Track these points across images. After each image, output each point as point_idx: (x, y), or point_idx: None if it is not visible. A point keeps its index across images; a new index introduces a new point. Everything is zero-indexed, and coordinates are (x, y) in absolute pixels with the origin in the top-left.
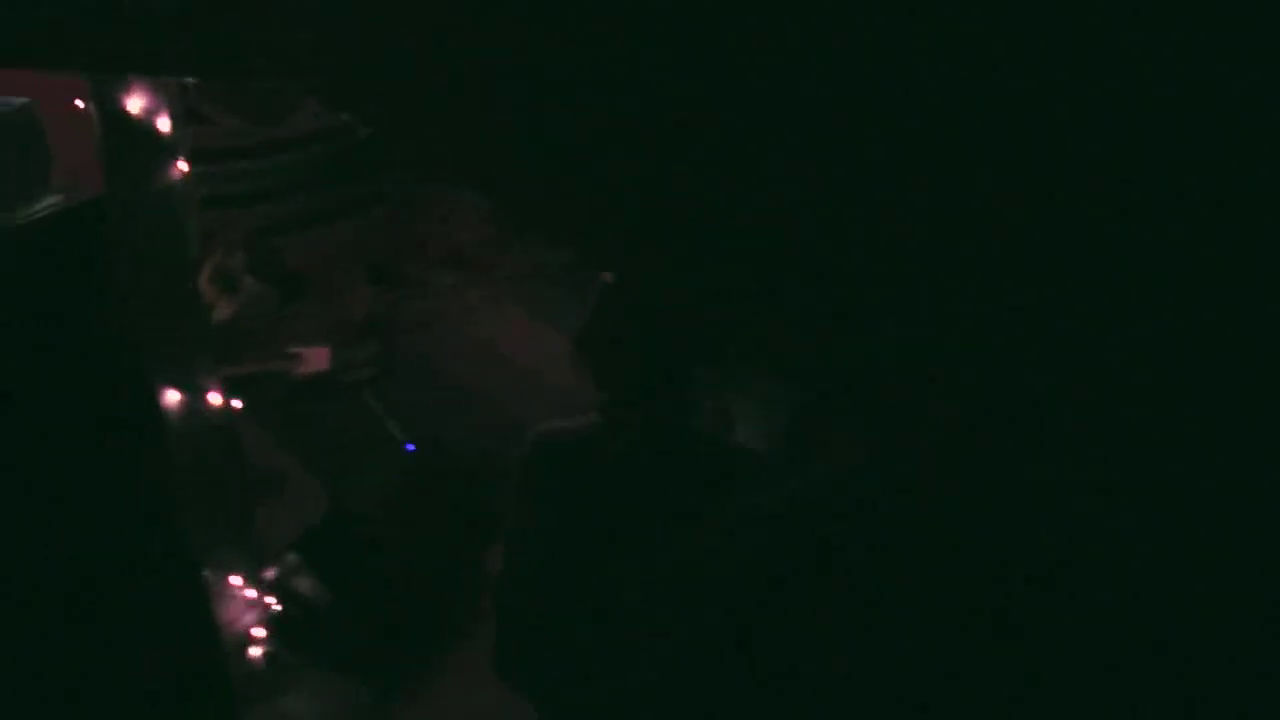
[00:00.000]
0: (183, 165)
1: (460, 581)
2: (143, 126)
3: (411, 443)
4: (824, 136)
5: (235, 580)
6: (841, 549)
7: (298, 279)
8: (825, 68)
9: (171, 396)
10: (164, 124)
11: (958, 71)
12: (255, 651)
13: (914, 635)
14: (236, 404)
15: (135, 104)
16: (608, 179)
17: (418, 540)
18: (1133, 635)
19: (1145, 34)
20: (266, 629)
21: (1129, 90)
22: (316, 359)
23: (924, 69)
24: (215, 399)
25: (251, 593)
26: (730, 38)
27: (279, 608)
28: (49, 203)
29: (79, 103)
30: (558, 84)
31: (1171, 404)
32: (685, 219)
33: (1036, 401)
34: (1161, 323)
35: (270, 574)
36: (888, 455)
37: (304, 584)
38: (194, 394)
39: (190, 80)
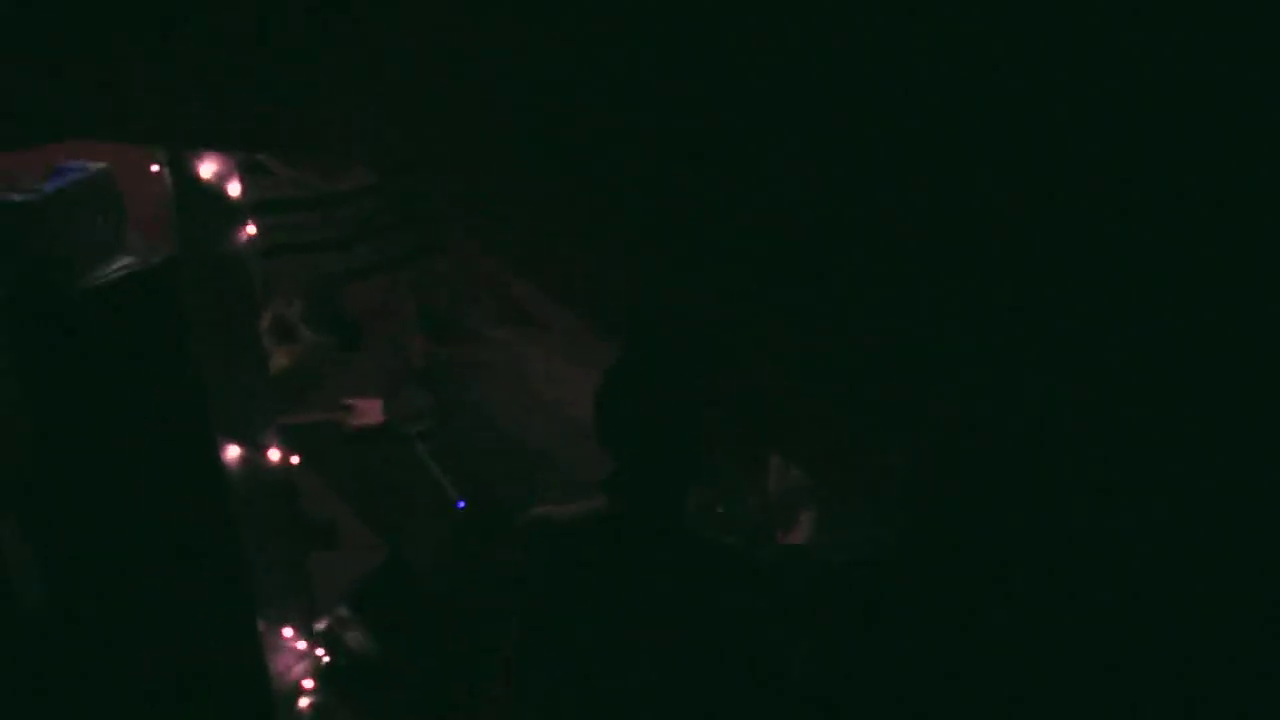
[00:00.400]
0: (251, 229)
1: (509, 638)
2: (214, 191)
3: (462, 499)
4: (825, 140)
5: (288, 632)
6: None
7: (354, 329)
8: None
9: (232, 450)
10: (234, 189)
11: (958, 71)
12: (305, 702)
13: (913, 635)
14: (294, 456)
15: (207, 169)
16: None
17: (467, 595)
18: (1133, 635)
19: (1145, 34)
20: (316, 680)
21: (1129, 90)
22: (371, 410)
23: (924, 69)
24: (274, 452)
25: (303, 644)
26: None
27: (329, 659)
28: (124, 263)
29: (154, 167)
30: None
31: (1171, 404)
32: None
33: (1036, 401)
34: (1162, 323)
35: (322, 625)
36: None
37: (354, 637)
38: (254, 447)
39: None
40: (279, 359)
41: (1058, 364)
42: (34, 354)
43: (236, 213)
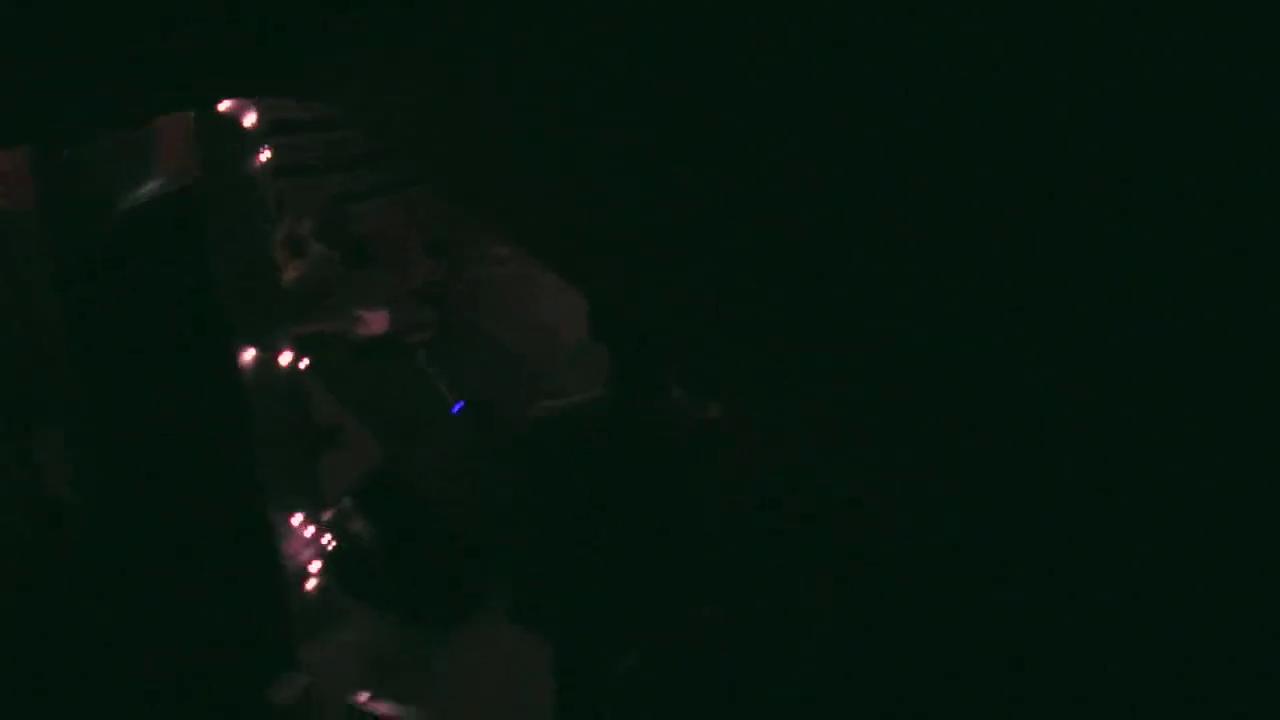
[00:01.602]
0: (265, 154)
1: (497, 531)
2: (231, 119)
3: (459, 403)
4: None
5: (296, 519)
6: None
7: (362, 246)
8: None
9: (248, 354)
10: (250, 119)
11: (958, 71)
12: (311, 584)
13: (912, 634)
14: (303, 362)
15: (226, 102)
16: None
17: (459, 491)
18: (1133, 635)
19: (1145, 34)
20: (323, 564)
21: (1129, 90)
22: (377, 322)
23: (924, 69)
24: (286, 357)
25: (310, 531)
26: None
27: (334, 546)
28: (154, 187)
29: None
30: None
31: (1171, 404)
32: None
33: (1036, 401)
34: (1161, 323)
35: (328, 516)
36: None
37: (357, 526)
38: (267, 352)
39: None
40: (290, 272)
41: (1058, 364)
42: (73, 273)
43: (252, 139)
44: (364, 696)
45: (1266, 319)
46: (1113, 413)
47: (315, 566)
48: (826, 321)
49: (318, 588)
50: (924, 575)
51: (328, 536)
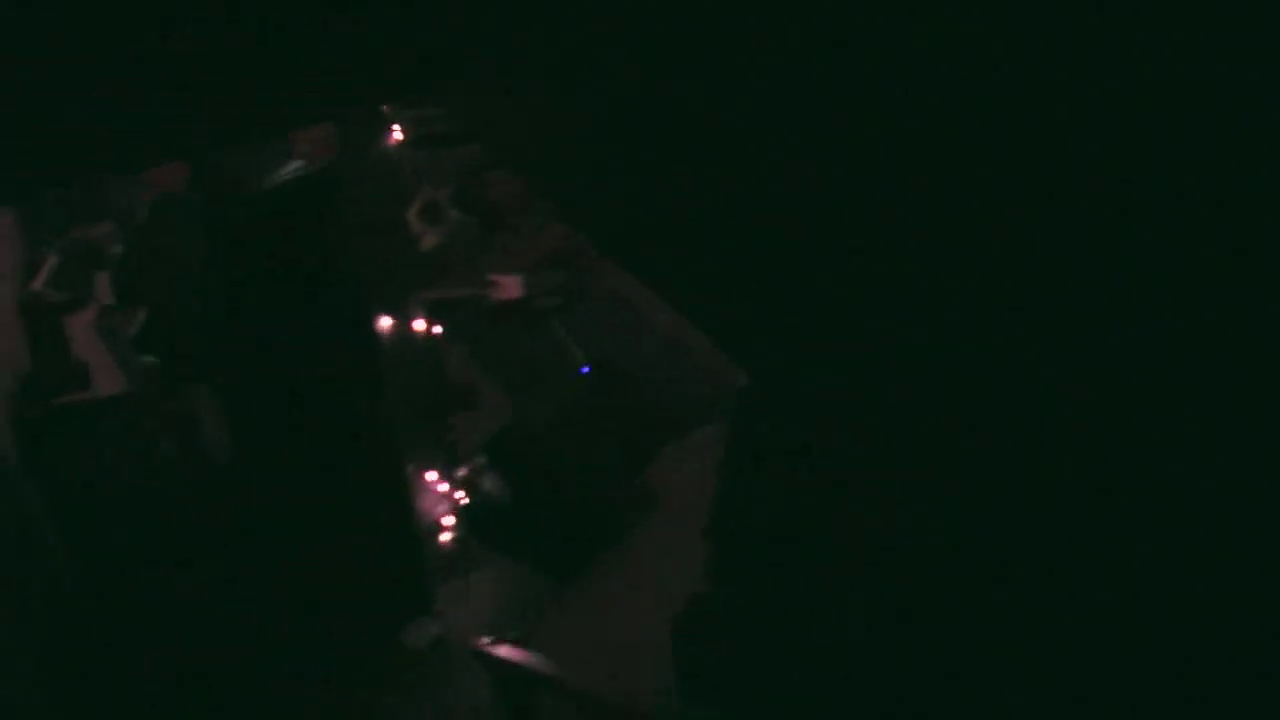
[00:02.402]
0: (398, 134)
1: (621, 489)
2: None
3: (587, 365)
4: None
5: (431, 476)
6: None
7: (497, 212)
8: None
9: (385, 321)
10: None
11: (958, 72)
12: (446, 537)
13: (913, 635)
14: (438, 328)
15: None
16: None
17: (586, 450)
18: (1133, 635)
19: (1145, 34)
20: (456, 518)
21: (1129, 90)
22: (510, 286)
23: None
24: (420, 324)
25: (445, 487)
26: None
27: (467, 501)
28: (293, 167)
29: None
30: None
31: (1171, 404)
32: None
33: (1036, 401)
34: (1162, 323)
35: (461, 472)
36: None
37: (488, 482)
38: (403, 318)
39: None
40: (429, 239)
41: (1058, 364)
42: (224, 248)
43: (385, 117)
44: (486, 640)
45: (1266, 319)
46: (1113, 413)
47: (449, 520)
48: (825, 321)
49: (451, 540)
50: (923, 575)
51: (461, 492)
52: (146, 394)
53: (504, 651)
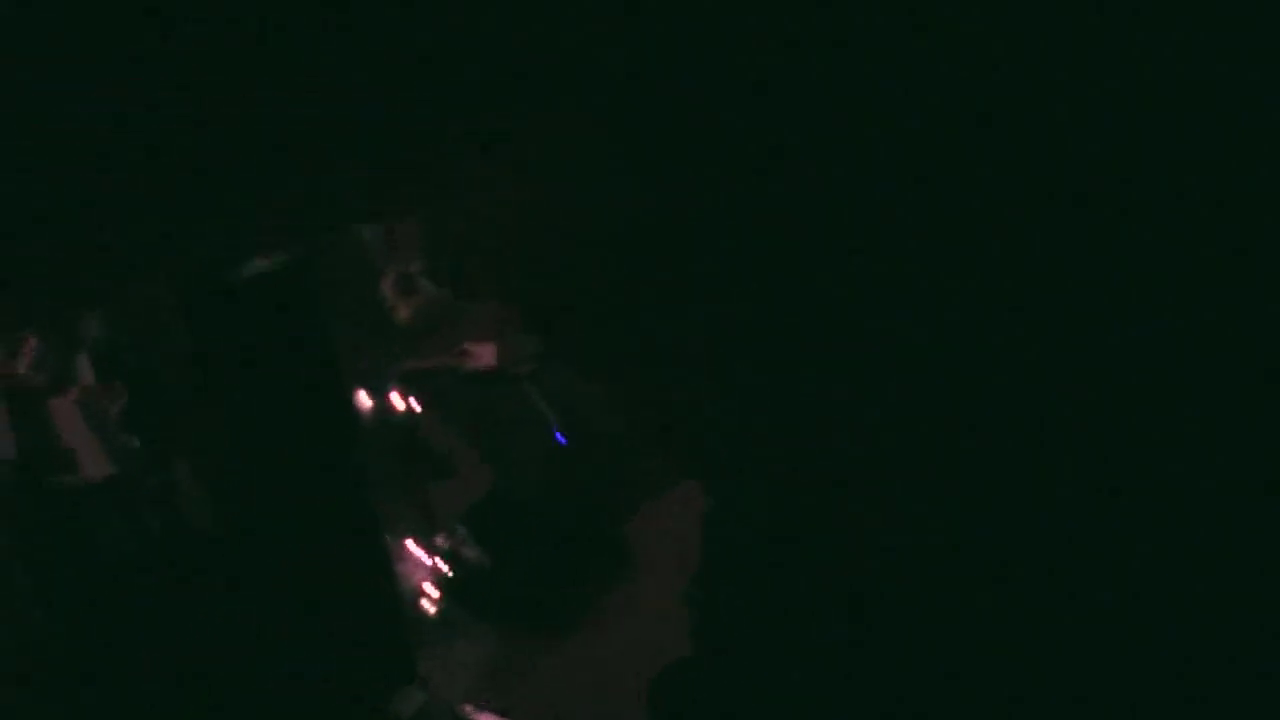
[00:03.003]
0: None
1: (599, 555)
2: None
3: (562, 435)
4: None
5: (411, 544)
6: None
7: (470, 282)
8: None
9: (363, 397)
10: None
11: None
12: (428, 605)
13: (912, 635)
14: (415, 398)
15: None
16: None
17: (564, 515)
18: (1133, 635)
19: (1145, 34)
20: (437, 586)
21: (1129, 90)
22: (484, 354)
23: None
24: (397, 395)
25: (425, 557)
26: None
27: (447, 569)
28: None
29: None
30: None
31: (1171, 404)
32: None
33: (1036, 402)
34: (1162, 323)
35: (441, 541)
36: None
37: (468, 550)
38: (380, 392)
39: None
40: (402, 311)
41: (1058, 364)
42: (205, 333)
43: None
44: (469, 707)
45: (1266, 319)
46: (1113, 413)
47: (430, 588)
48: (826, 322)
49: (433, 607)
50: (922, 576)
51: (441, 560)
52: (131, 473)
53: (484, 718)
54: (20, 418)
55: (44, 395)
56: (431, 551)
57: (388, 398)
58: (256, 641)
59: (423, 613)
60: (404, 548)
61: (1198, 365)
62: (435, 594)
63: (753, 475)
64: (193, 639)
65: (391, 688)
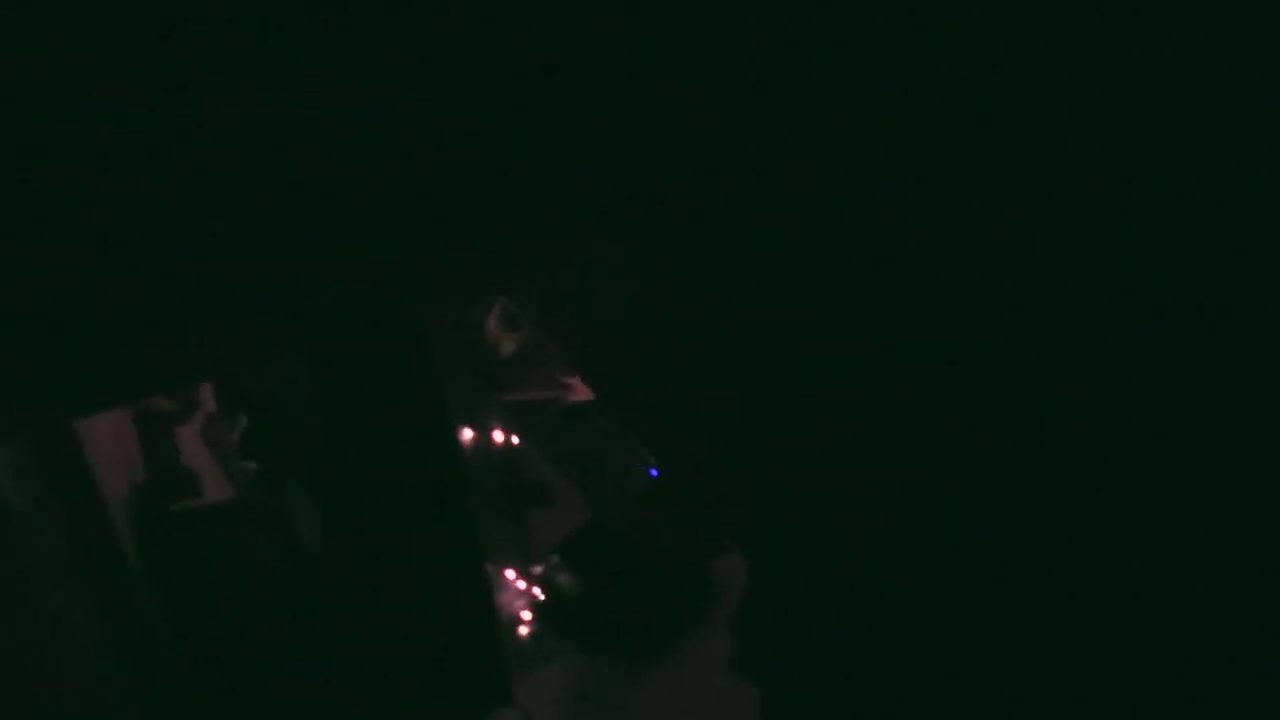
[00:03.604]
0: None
1: (690, 588)
2: None
3: (654, 469)
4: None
5: (509, 573)
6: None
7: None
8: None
9: (466, 432)
10: None
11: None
12: (524, 631)
13: (912, 635)
14: (516, 430)
15: None
16: None
17: (655, 547)
18: (1133, 635)
19: (1145, 34)
20: (533, 613)
21: (1129, 90)
22: (582, 388)
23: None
24: (499, 435)
25: (522, 584)
26: None
27: (544, 597)
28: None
29: None
30: None
31: (1171, 404)
32: None
33: (1036, 401)
34: (1162, 323)
35: (537, 570)
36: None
37: (563, 578)
38: (482, 428)
39: None
40: (506, 344)
41: (1057, 365)
42: (317, 355)
43: None
44: None
45: (1266, 319)
46: (1114, 413)
47: (526, 614)
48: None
49: (529, 633)
50: (921, 575)
51: (537, 588)
52: (249, 498)
53: None
54: (149, 443)
55: (172, 421)
56: (529, 579)
57: (489, 431)
58: (361, 662)
59: (520, 638)
60: (502, 575)
61: (1197, 365)
62: (531, 620)
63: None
64: (301, 657)
65: (487, 710)
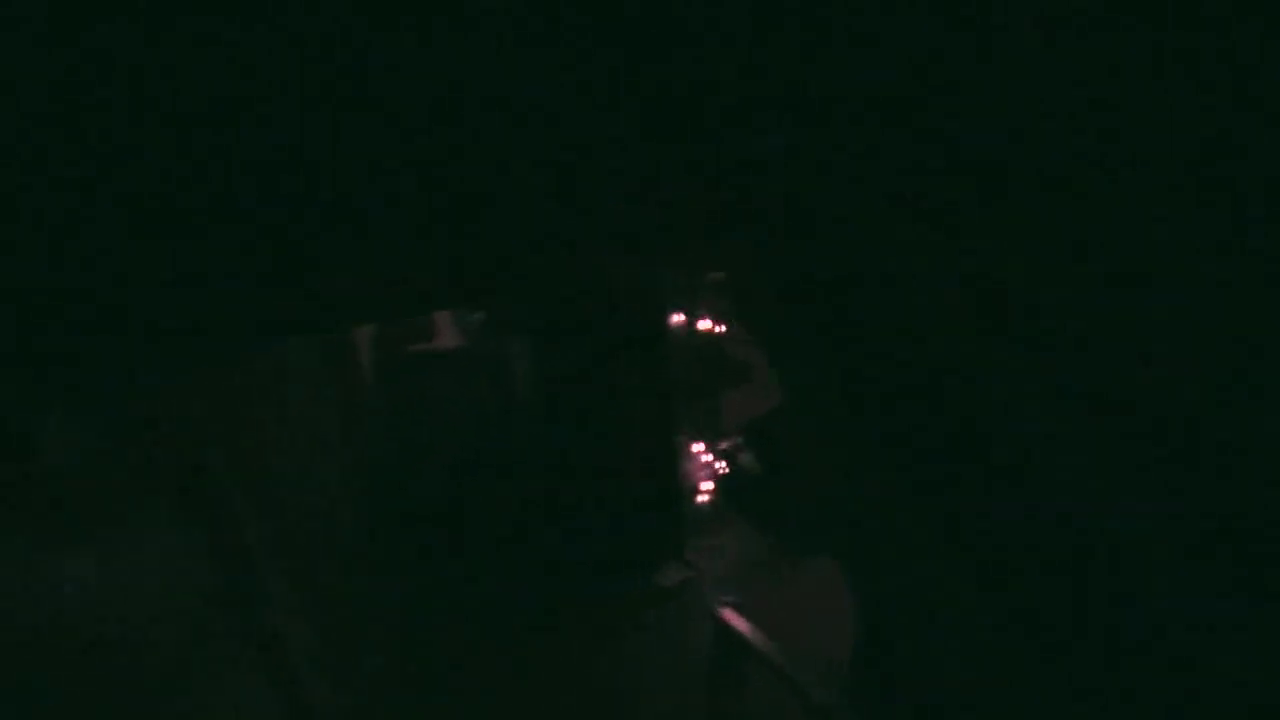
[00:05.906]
0: None
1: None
2: None
3: None
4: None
5: (698, 447)
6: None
7: None
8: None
9: (676, 316)
10: None
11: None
12: (702, 500)
13: (912, 635)
14: (721, 316)
15: None
16: None
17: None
18: (1133, 635)
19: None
20: (714, 485)
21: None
22: None
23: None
24: (705, 322)
25: (709, 458)
26: None
27: (725, 471)
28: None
29: None
30: None
31: (1171, 404)
32: None
33: (1037, 402)
34: (1162, 324)
35: (723, 445)
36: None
37: (746, 458)
38: (690, 309)
39: None
40: None
41: (1058, 365)
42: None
43: None
44: (726, 600)
45: (1266, 320)
46: (1114, 412)
47: (707, 485)
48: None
49: (707, 503)
50: (921, 575)
51: (722, 462)
52: (473, 347)
53: (728, 615)
54: None
55: None
56: (715, 453)
57: (697, 314)
58: (561, 508)
59: (698, 505)
60: (690, 446)
61: (1197, 366)
62: (711, 491)
63: None
64: (499, 490)
65: (662, 561)
